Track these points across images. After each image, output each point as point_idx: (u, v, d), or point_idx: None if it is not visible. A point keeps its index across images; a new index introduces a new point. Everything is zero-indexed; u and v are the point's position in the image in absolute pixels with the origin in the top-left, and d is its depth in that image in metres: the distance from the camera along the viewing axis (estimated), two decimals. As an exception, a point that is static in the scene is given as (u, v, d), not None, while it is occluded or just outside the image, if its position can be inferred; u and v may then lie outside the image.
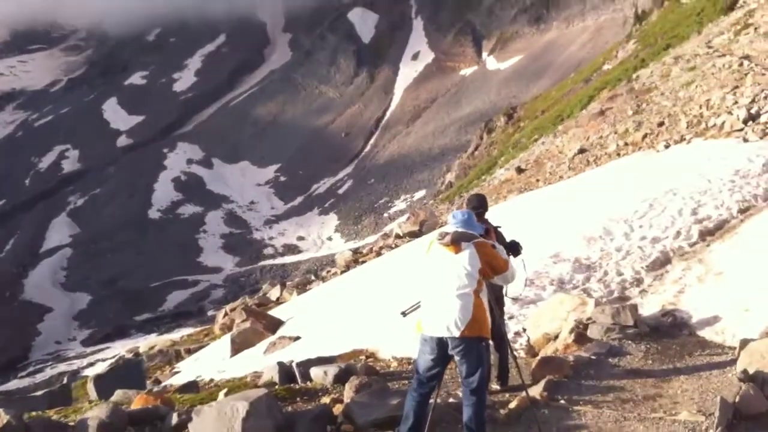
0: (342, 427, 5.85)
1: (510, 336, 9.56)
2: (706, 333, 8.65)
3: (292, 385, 8.08)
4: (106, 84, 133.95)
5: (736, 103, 33.00)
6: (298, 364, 8.49)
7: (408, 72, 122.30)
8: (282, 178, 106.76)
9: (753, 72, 36.02)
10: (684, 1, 65.10)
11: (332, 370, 7.91)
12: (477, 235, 5.60)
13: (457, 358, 5.36)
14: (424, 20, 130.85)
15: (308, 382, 8.08)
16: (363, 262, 32.83)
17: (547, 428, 5.78)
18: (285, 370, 8.53)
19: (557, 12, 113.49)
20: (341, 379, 7.73)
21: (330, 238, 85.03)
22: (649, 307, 10.15)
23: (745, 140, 23.83)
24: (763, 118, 28.42)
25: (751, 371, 6.54)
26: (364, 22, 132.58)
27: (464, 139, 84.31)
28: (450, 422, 5.80)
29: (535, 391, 6.65)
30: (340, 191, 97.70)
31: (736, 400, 5.96)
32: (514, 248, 7.13)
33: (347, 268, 33.38)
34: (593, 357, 7.80)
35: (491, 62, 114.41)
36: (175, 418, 5.96)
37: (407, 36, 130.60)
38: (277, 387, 7.95)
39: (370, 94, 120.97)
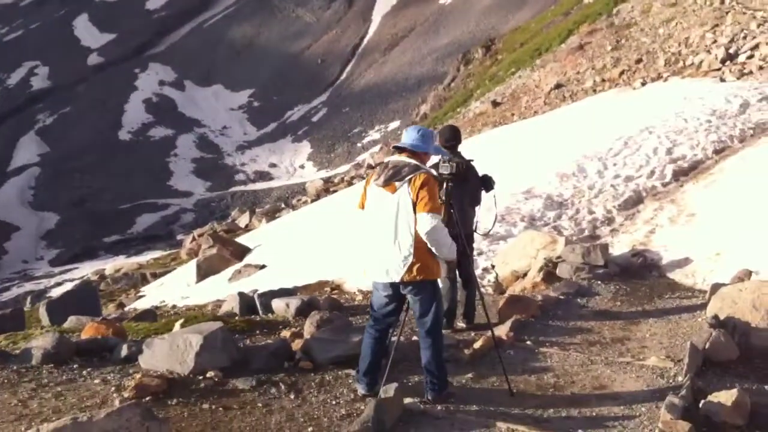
0: (300, 363, 5.60)
1: (478, 272, 9.39)
2: (676, 275, 8.53)
3: (252, 316, 7.84)
4: (76, 0, 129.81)
5: (715, 42, 32.65)
6: (260, 295, 8.24)
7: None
8: (255, 104, 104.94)
9: (734, 11, 35.58)
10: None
11: (294, 302, 7.66)
12: (418, 165, 4.99)
13: (411, 299, 5.08)
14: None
15: (269, 314, 7.85)
16: (334, 191, 32.62)
17: (511, 369, 5.60)
18: (246, 300, 8.28)
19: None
20: (303, 312, 7.49)
21: (302, 166, 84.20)
22: (619, 246, 10.03)
23: (722, 80, 23.60)
24: (740, 58, 28.18)
25: (721, 317, 6.40)
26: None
27: (441, 70, 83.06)
28: (413, 361, 5.57)
29: (502, 330, 6.46)
30: (314, 119, 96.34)
31: (706, 346, 5.80)
32: (486, 183, 6.86)
33: (318, 197, 33.17)
34: (561, 297, 7.65)
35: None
36: (124, 350, 5.68)
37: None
38: (237, 318, 7.71)
39: (347, 19, 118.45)
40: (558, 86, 39.02)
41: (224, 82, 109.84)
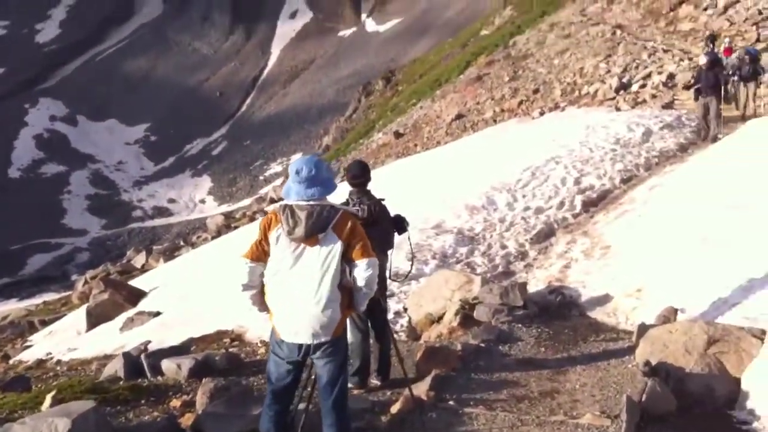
0: (191, 446, 4.80)
1: (390, 317, 8.74)
2: (597, 314, 8.09)
3: (140, 380, 6.91)
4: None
5: (608, 71, 33.55)
6: (147, 356, 7.31)
7: (286, 31, 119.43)
8: (153, 138, 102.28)
9: (625, 41, 36.78)
10: (560, -31, 66.03)
11: (187, 363, 6.80)
12: (334, 205, 4.41)
13: (320, 362, 4.35)
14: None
15: (159, 377, 6.94)
16: (236, 227, 31.53)
17: (435, 437, 4.96)
18: (132, 361, 7.33)
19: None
20: (197, 373, 6.66)
21: (203, 201, 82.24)
22: (535, 283, 9.59)
23: (618, 109, 24.02)
24: (633, 87, 28.93)
25: (653, 362, 5.96)
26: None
27: (342, 101, 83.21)
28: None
29: (421, 389, 5.80)
30: (214, 152, 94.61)
31: (643, 398, 5.32)
32: (399, 224, 6.25)
33: (219, 233, 32.00)
34: (482, 345, 7.06)
35: (370, 24, 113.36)
36: (-24, 439, 4.75)
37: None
38: (121, 384, 6.77)
39: (246, 52, 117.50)
40: (459, 116, 39.32)
41: (119, 116, 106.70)
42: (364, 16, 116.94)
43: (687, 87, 17.20)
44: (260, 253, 4.36)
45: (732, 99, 18.28)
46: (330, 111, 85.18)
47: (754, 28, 30.11)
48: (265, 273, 4.35)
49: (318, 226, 4.21)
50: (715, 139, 15.04)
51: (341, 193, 6.08)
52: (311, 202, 4.28)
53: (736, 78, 18.16)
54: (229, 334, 9.92)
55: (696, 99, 15.83)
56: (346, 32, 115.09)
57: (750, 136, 13.63)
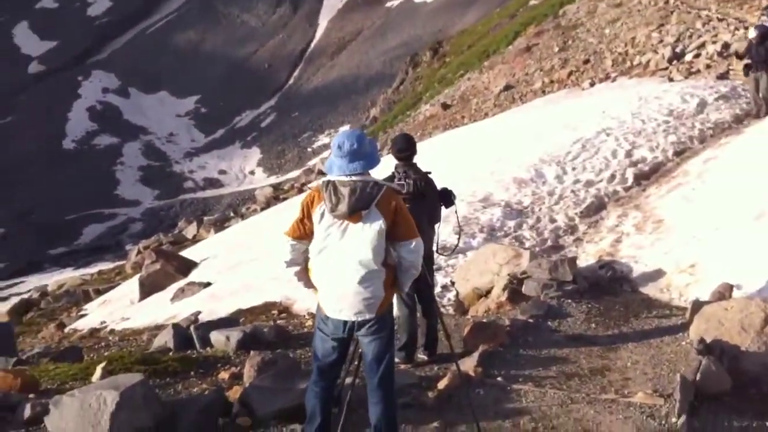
0: (238, 419, 4.80)
1: (436, 291, 8.69)
2: (650, 290, 7.93)
3: (189, 352, 7.00)
4: (16, 7, 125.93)
5: (661, 41, 32.68)
6: (197, 328, 7.39)
7: (333, 2, 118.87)
8: (203, 110, 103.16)
9: (678, 10, 35.71)
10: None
11: (235, 335, 6.85)
12: (378, 181, 4.29)
13: (365, 340, 4.30)
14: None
15: (208, 349, 7.01)
16: (284, 198, 31.71)
17: (483, 413, 4.90)
18: (181, 333, 7.42)
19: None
20: (245, 345, 6.71)
21: (252, 172, 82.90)
22: (585, 257, 9.45)
23: (671, 79, 23.42)
24: (687, 57, 28.15)
25: (707, 339, 5.80)
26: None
27: (389, 73, 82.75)
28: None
29: (469, 365, 5.75)
30: (263, 124, 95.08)
31: (697, 378, 5.19)
32: (446, 197, 6.15)
33: (268, 204, 32.21)
34: (531, 320, 6.97)
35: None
36: (28, 410, 4.81)
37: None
38: (170, 355, 6.86)
39: (293, 24, 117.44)
40: (507, 88, 38.75)
41: (170, 88, 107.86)
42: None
43: (739, 57, 16.01)
44: (302, 232, 4.31)
45: None
46: (377, 82, 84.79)
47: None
48: (309, 250, 4.31)
49: (361, 202, 4.13)
50: (760, 116, 14.33)
51: (387, 166, 6.02)
52: (354, 178, 4.19)
53: None
54: (277, 306, 9.99)
55: (746, 75, 14.96)
56: (393, 3, 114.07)
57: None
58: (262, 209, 31.05)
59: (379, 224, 4.14)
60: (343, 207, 4.14)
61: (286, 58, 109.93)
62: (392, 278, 4.31)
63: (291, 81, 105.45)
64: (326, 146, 75.23)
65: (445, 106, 42.38)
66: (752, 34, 15.02)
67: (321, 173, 33.79)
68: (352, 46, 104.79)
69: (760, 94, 14.52)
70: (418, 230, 4.49)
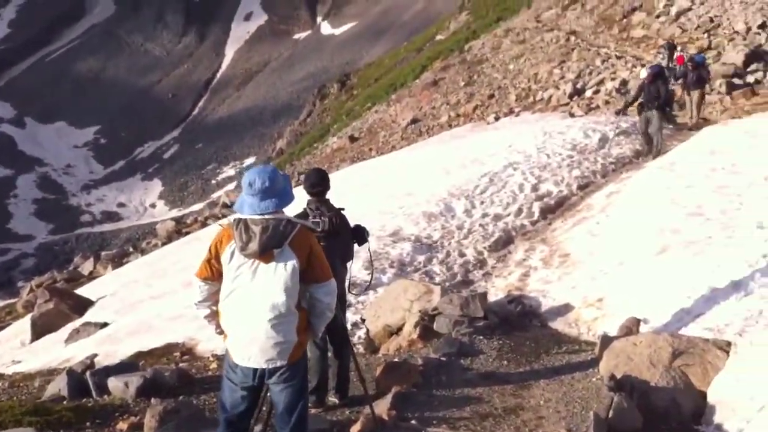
0: (136, 475, 4.49)
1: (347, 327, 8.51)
2: (558, 325, 7.97)
3: (84, 400, 6.54)
4: None
5: (563, 77, 33.83)
6: (93, 372, 6.94)
7: (240, 33, 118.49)
8: (102, 141, 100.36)
9: (579, 48, 37.11)
10: (515, -26, 66.53)
11: (135, 380, 6.45)
12: (292, 219, 4.12)
13: (276, 388, 4.08)
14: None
15: (105, 396, 6.59)
16: (187, 232, 30.90)
17: (396, 459, 4.74)
18: (76, 379, 6.95)
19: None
20: (146, 391, 6.32)
21: (153, 205, 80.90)
22: (494, 292, 9.45)
23: (572, 115, 24.20)
24: (587, 93, 29.21)
25: (617, 375, 5.82)
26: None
27: (297, 105, 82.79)
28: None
29: (382, 407, 5.57)
30: (166, 156, 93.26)
31: (609, 414, 5.17)
32: (359, 235, 6.00)
33: (169, 239, 31.30)
34: (443, 358, 6.86)
35: (325, 27, 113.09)
36: None
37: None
38: (64, 404, 6.41)
39: (199, 54, 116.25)
40: (414, 121, 39.28)
41: (68, 118, 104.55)
42: (319, 19, 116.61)
43: (623, 109, 15.92)
44: (211, 273, 4.09)
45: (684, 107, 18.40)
46: (284, 114, 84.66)
47: (706, 35, 30.59)
48: (220, 292, 4.08)
49: (274, 241, 3.94)
50: (657, 155, 14.42)
51: (298, 201, 5.84)
52: (266, 216, 4.00)
53: (679, 84, 18.14)
54: (179, 347, 9.55)
55: (639, 113, 15.05)
56: (301, 35, 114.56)
57: (705, 143, 13.69)
58: (164, 244, 30.15)
59: (292, 264, 3.96)
60: (254, 246, 3.93)
61: (190, 88, 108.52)
62: (306, 322, 4.12)
63: (196, 111, 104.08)
64: (231, 178, 74.44)
65: (353, 139, 42.54)
66: (644, 74, 15.30)
67: (225, 206, 33.14)
68: (259, 77, 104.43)
69: (651, 133, 14.74)
70: (332, 269, 4.33)
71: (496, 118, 30.80)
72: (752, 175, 9.97)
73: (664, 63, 23.37)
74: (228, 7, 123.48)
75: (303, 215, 5.68)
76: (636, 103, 15.25)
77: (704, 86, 17.81)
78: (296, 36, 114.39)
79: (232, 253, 4.01)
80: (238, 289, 4.00)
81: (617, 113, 16.37)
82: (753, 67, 24.33)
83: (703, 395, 5.45)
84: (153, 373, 6.80)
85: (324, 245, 4.95)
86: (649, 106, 14.65)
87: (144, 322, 11.69)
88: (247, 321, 3.97)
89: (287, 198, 4.13)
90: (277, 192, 4.07)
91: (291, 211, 4.55)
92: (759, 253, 7.19)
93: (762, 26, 29.37)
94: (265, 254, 3.93)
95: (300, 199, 5.92)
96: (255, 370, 4.02)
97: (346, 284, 6.04)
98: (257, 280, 3.96)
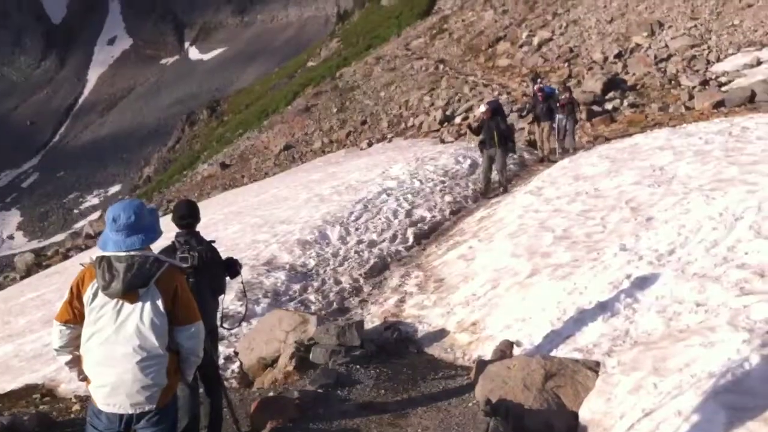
0: None
1: (219, 362, 8.21)
2: (434, 350, 7.98)
3: (-70, 453, 5.99)
4: None
5: (432, 104, 34.67)
6: (-60, 423, 6.36)
7: (103, 57, 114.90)
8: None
9: (447, 75, 38.22)
10: (384, 3, 67.83)
11: (-13, 428, 5.97)
12: (159, 257, 3.91)
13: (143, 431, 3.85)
14: (121, 3, 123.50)
15: (-46, 447, 6.05)
16: (48, 265, 29.39)
17: (273, 501, 4.54)
18: None
19: (261, 5, 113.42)
20: (0, 440, 5.86)
21: (11, 237, 76.60)
22: (371, 319, 9.40)
23: (442, 141, 24.74)
24: (456, 120, 30.02)
25: (493, 399, 5.86)
26: (54, 1, 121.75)
27: (164, 131, 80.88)
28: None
29: (257, 445, 5.37)
30: (24, 184, 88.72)
31: (486, 441, 5.19)
32: (231, 268, 5.79)
33: (28, 272, 29.67)
34: (320, 390, 6.71)
35: (194, 52, 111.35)
36: None
37: (103, 19, 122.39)
38: None
39: (60, 78, 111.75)
40: (287, 147, 39.13)
41: None
42: (187, 43, 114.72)
43: (474, 132, 15.23)
44: (73, 315, 3.80)
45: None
46: (151, 141, 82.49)
47: (566, 64, 32.13)
48: (81, 335, 3.80)
49: (139, 279, 3.70)
50: (506, 190, 14.21)
51: (168, 232, 5.58)
52: (132, 253, 3.77)
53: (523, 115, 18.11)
54: (39, 388, 8.94)
55: (481, 151, 14.52)
56: (168, 60, 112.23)
57: (569, 168, 14.23)
58: (22, 278, 28.56)
59: (158, 304, 3.73)
60: (117, 285, 3.68)
61: (51, 114, 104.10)
62: (176, 363, 3.89)
63: (56, 138, 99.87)
64: (95, 207, 71.68)
65: (224, 166, 41.88)
66: (482, 109, 14.73)
67: (89, 236, 31.74)
68: (124, 102, 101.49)
69: (497, 170, 14.42)
70: (202, 304, 4.13)
71: (369, 144, 31.12)
72: (613, 198, 10.41)
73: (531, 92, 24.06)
74: (91, 30, 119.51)
75: (171, 249, 5.43)
76: (478, 140, 14.72)
77: (554, 118, 17.22)
78: (163, 61, 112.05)
79: (95, 293, 3.75)
80: (102, 330, 3.74)
81: (480, 144, 15.11)
82: (611, 94, 25.80)
83: (575, 415, 5.56)
84: (11, 418, 6.37)
85: (193, 280, 4.75)
86: (491, 143, 14.20)
87: (0, 363, 10.91)
88: (112, 364, 3.71)
89: (154, 234, 3.92)
90: (143, 228, 3.85)
91: (159, 244, 4.32)
92: (623, 275, 7.47)
93: (618, 56, 31.24)
94: (130, 294, 3.70)
95: (169, 231, 5.67)
96: (121, 416, 3.76)
97: (219, 320, 5.82)
98: (122, 321, 3.71)
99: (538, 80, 26.37)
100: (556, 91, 18.04)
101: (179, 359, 3.92)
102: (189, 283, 4.64)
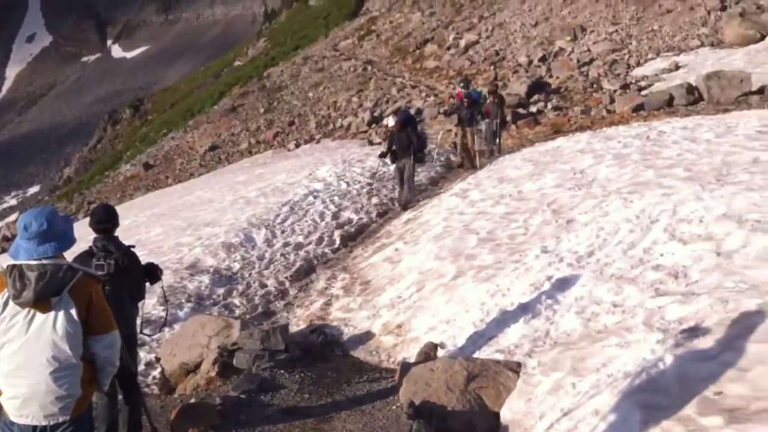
0: None
1: (140, 368, 8.04)
2: (360, 353, 7.98)
3: None
4: None
5: (361, 105, 34.72)
6: None
7: (22, 55, 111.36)
8: None
9: (376, 77, 38.35)
10: (312, 3, 67.61)
11: None
12: (72, 265, 3.78)
13: None
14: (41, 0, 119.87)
15: None
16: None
17: None
18: None
19: (186, 3, 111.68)
20: None
21: None
22: (296, 322, 9.36)
23: (371, 142, 24.81)
24: (384, 121, 30.14)
25: (416, 401, 5.89)
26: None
27: (86, 130, 78.78)
28: None
29: (176, 454, 5.27)
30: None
31: (410, 443, 5.22)
32: (151, 274, 5.67)
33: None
34: (243, 396, 6.63)
35: (116, 50, 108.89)
36: None
37: (22, 15, 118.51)
38: None
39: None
40: (213, 148, 38.60)
41: None
42: (110, 41, 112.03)
43: (382, 155, 14.29)
44: None
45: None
46: (72, 140, 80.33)
47: (492, 67, 32.60)
48: None
49: (51, 288, 3.58)
50: (406, 207, 13.66)
51: (85, 235, 5.43)
52: (44, 261, 3.65)
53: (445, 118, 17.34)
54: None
55: (393, 162, 13.98)
56: (90, 57, 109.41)
57: (494, 171, 14.43)
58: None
59: (72, 313, 3.62)
60: (28, 293, 3.56)
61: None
62: (91, 373, 3.79)
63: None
64: (13, 209, 69.39)
65: (148, 166, 41.04)
66: (391, 122, 14.09)
67: (6, 239, 30.66)
68: (44, 100, 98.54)
69: (405, 179, 13.81)
70: (119, 311, 4.03)
71: (297, 145, 30.98)
72: (536, 201, 10.60)
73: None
74: (8, 27, 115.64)
75: (88, 254, 5.28)
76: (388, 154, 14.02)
77: (476, 123, 16.59)
78: (85, 59, 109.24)
79: (5, 303, 3.62)
80: (13, 341, 3.61)
81: (381, 156, 14.63)
82: (535, 97, 26.31)
83: (497, 416, 5.63)
84: None
85: (110, 288, 4.64)
86: (402, 155, 13.65)
87: None
88: (24, 375, 3.59)
89: (68, 241, 3.80)
90: (56, 235, 3.73)
91: (77, 249, 4.20)
92: (544, 276, 7.61)
93: (542, 59, 31.87)
94: (42, 303, 3.58)
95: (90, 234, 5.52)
96: (34, 427, 3.64)
97: (138, 327, 5.70)
98: (34, 331, 3.59)
99: (467, 84, 26.48)
100: (483, 95, 17.85)
101: (94, 369, 3.82)
102: (105, 290, 4.53)
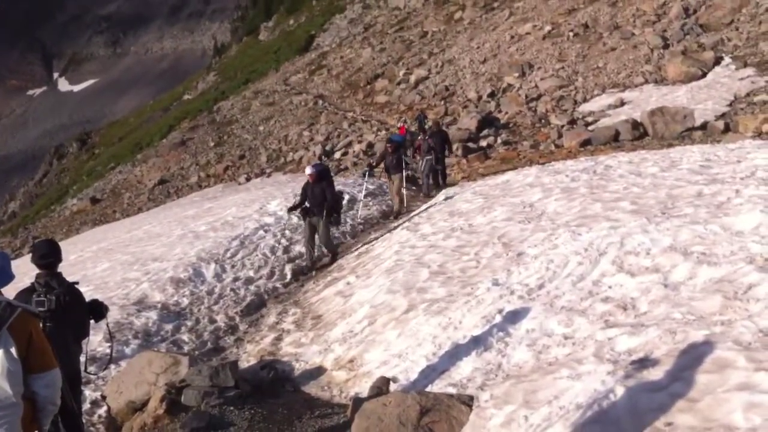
0: None
1: (85, 407, 7.82)
2: (311, 389, 7.88)
3: None
4: None
5: (312, 139, 34.75)
6: None
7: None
8: None
9: (327, 111, 38.51)
10: (262, 38, 67.74)
11: None
12: (11, 302, 3.66)
13: None
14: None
15: None
16: None
17: None
18: None
19: (134, 37, 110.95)
20: None
21: None
22: (246, 358, 9.22)
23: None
24: (336, 155, 30.20)
25: (370, 439, 5.82)
26: None
27: (31, 164, 77.35)
28: None
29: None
30: None
31: (363, 481, 5.13)
32: (96, 311, 5.54)
33: None
34: (191, 435, 6.48)
35: (63, 83, 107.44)
36: None
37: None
38: None
39: None
40: (162, 182, 38.19)
41: None
42: (56, 74, 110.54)
43: (292, 208, 13.31)
44: None
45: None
46: (17, 174, 78.83)
47: (443, 102, 32.97)
48: None
49: None
50: (334, 259, 12.92)
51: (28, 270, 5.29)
52: None
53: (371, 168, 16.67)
54: None
55: (304, 219, 12.78)
56: (36, 90, 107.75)
57: (445, 204, 14.51)
58: None
59: (12, 351, 3.51)
60: None
61: None
62: (32, 413, 3.66)
63: None
64: (-47, 244, 67.34)
65: (95, 200, 40.42)
66: (309, 171, 12.76)
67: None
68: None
69: (320, 238, 12.85)
70: (61, 349, 3.91)
71: (248, 179, 30.79)
72: (486, 234, 10.66)
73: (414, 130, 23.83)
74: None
75: (30, 290, 5.15)
76: (297, 208, 13.03)
77: (403, 170, 15.86)
78: (31, 92, 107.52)
79: None
80: None
81: (290, 211, 13.69)
82: (485, 132, 26.69)
83: (450, 450, 5.59)
84: None
85: (51, 325, 4.52)
86: (315, 211, 12.58)
87: None
88: None
89: (6, 278, 3.71)
90: (4, 266, 3.64)
91: (19, 286, 4.09)
92: (495, 309, 7.62)
93: (491, 95, 32.37)
94: None
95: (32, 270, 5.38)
96: None
97: (82, 362, 5.56)
98: None
99: (423, 119, 26.71)
100: (405, 137, 17.48)
101: (35, 408, 3.69)
102: (46, 327, 4.41)
